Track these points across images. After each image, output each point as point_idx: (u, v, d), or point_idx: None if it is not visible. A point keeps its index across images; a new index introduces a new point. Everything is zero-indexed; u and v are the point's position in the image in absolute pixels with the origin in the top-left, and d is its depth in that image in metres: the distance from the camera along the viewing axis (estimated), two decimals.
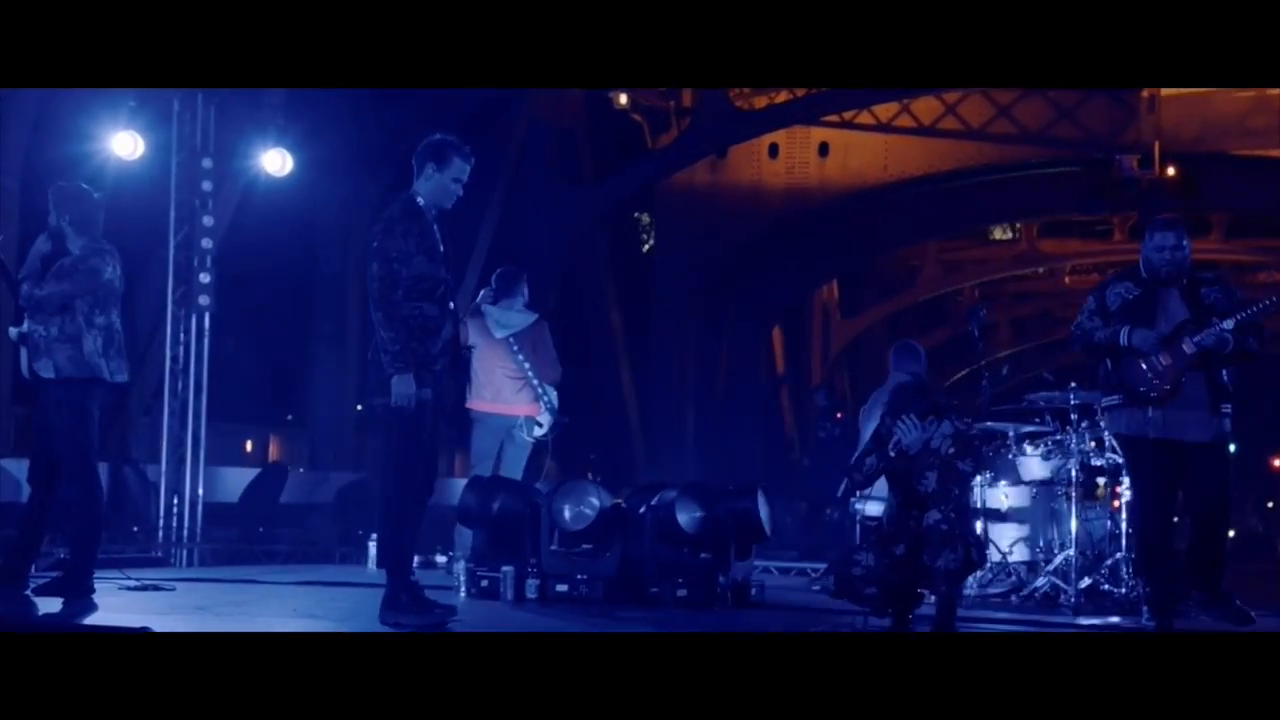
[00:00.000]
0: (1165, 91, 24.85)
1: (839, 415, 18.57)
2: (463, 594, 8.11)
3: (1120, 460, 8.52)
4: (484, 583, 8.19)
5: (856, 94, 23.30)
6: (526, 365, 9.73)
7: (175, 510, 12.11)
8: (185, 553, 11.59)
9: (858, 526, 9.12)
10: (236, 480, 15.26)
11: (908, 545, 6.70)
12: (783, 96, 24.69)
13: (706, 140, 24.12)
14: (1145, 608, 7.23)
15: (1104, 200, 26.23)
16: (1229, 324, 6.69)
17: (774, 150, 26.32)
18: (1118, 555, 8.62)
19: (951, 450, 6.67)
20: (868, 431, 9.73)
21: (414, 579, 6.58)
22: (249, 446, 21.63)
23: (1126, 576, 8.47)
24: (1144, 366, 6.80)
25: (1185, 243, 6.93)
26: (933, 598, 6.76)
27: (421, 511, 6.68)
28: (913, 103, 25.30)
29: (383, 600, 6.44)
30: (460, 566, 8.35)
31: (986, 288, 34.82)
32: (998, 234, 33.80)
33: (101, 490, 7.22)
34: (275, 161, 12.79)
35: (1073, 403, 8.58)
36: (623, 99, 26.72)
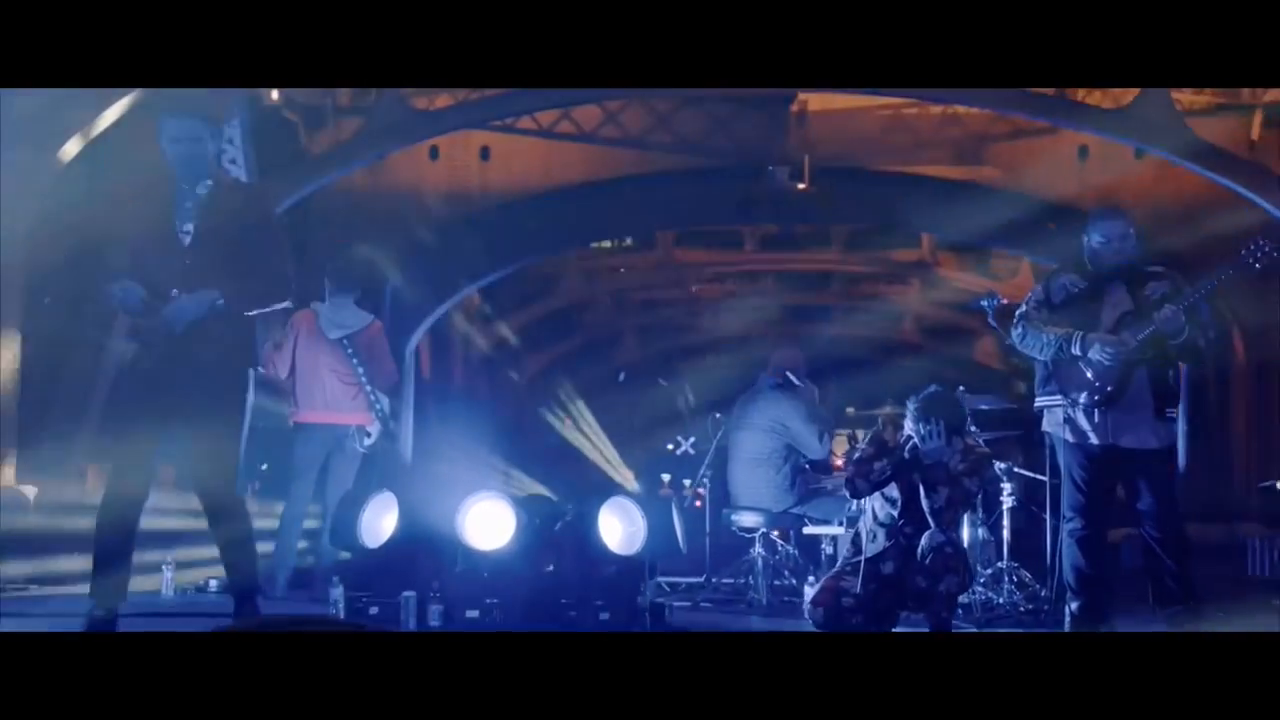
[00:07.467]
0: (812, 108, 25.82)
1: None
2: None
3: (1004, 466, 8.58)
4: (373, 610, 7.45)
5: (526, 98, 22.91)
6: (361, 370, 9.07)
7: None
8: None
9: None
10: None
11: (897, 563, 6.49)
12: (443, 100, 24.01)
13: (381, 142, 23.10)
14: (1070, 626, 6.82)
15: (752, 211, 27.05)
16: (1172, 308, 6.42)
17: (434, 153, 25.63)
18: (999, 564, 8.62)
19: (961, 467, 6.44)
20: (741, 436, 9.40)
21: None
22: None
23: (1009, 585, 8.48)
24: (1083, 366, 6.52)
25: (1132, 231, 6.72)
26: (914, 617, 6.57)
27: None
28: (575, 109, 25.22)
29: None
30: (339, 592, 7.55)
31: (618, 296, 35.18)
32: (606, 244, 34.05)
33: None
34: None
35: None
36: (274, 94, 25.34)
